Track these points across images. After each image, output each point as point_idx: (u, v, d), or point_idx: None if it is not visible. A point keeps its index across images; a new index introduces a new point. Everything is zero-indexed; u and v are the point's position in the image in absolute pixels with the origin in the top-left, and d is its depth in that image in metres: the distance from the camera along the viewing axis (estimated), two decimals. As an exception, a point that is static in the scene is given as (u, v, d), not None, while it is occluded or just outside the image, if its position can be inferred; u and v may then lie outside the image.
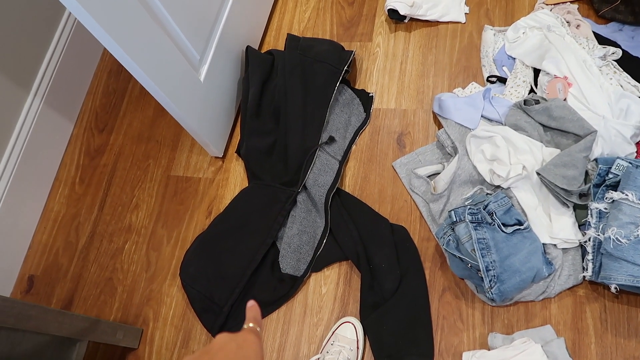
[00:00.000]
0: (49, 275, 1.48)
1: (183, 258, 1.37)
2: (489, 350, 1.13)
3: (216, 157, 1.53)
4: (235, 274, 1.30)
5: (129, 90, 1.71)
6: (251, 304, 0.59)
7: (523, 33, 1.41)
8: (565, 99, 1.25)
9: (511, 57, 1.41)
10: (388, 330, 1.19)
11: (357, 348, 1.18)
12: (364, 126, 1.47)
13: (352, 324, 1.21)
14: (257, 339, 0.52)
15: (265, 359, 1.25)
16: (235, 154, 1.52)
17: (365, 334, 1.21)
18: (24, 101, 1.50)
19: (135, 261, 1.45)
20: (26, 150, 1.49)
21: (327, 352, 1.15)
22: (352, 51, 1.48)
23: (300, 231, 1.33)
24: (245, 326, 0.55)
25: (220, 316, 1.29)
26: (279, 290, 1.29)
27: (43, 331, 0.97)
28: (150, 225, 1.49)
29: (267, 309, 1.30)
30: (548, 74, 1.30)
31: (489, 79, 1.41)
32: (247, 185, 1.46)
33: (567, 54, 1.27)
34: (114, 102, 1.70)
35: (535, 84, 1.34)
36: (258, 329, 0.55)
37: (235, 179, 1.49)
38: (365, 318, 1.22)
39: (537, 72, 1.36)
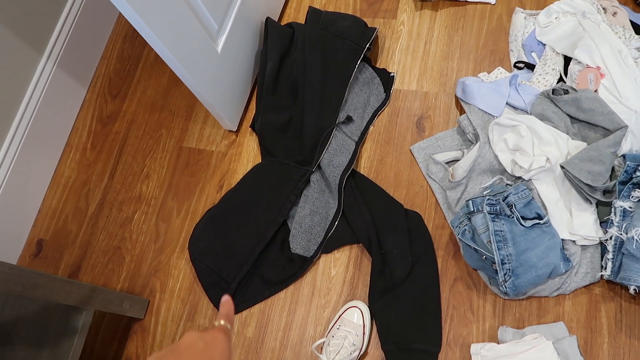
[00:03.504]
0: (57, 240, 1.48)
1: (192, 231, 1.36)
2: (498, 343, 1.11)
3: (230, 131, 1.50)
4: (244, 251, 1.29)
5: (143, 57, 1.67)
6: (225, 299, 0.58)
7: (556, 18, 1.34)
8: (596, 91, 1.19)
9: (541, 43, 1.35)
10: (396, 317, 1.17)
11: (364, 333, 1.16)
12: (383, 107, 1.42)
13: (360, 308, 1.19)
14: (225, 338, 0.51)
15: (270, 337, 1.24)
16: (250, 129, 1.48)
17: (372, 319, 1.19)
18: (37, 63, 1.47)
19: (144, 231, 1.43)
20: (38, 113, 1.47)
21: (333, 337, 1.14)
22: (375, 28, 1.43)
23: (312, 211, 1.30)
24: (216, 323, 0.54)
25: (227, 292, 1.28)
26: (287, 270, 1.28)
27: (50, 299, 0.96)
28: (161, 196, 1.47)
29: (274, 287, 1.28)
30: (580, 63, 1.25)
31: (517, 64, 1.36)
32: (260, 161, 1.43)
33: (602, 42, 1.21)
34: (128, 68, 1.67)
35: (565, 73, 1.29)
36: (229, 327, 0.54)
37: (249, 154, 1.46)
38: (373, 303, 1.20)
39: (567, 60, 1.30)
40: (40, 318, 1.11)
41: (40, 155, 1.51)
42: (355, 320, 1.17)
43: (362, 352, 1.15)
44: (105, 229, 1.47)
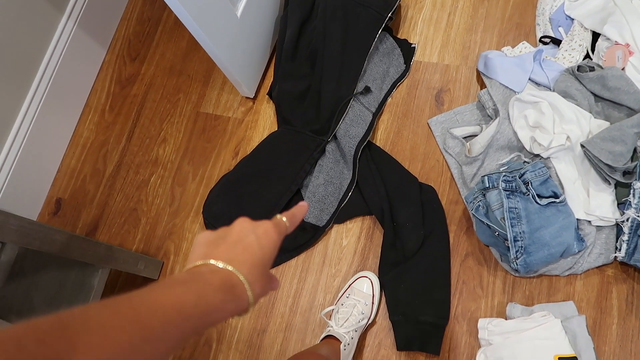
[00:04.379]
0: (75, 200, 1.51)
1: (207, 196, 1.38)
2: (506, 320, 1.11)
3: (247, 98, 1.49)
4: (257, 218, 1.29)
5: (163, 20, 1.66)
6: (303, 204, 0.55)
7: (586, -8, 1.30)
8: (623, 69, 1.16)
9: (569, 17, 1.30)
10: (405, 289, 1.18)
11: (372, 303, 1.18)
12: (403, 78, 1.40)
13: (370, 278, 1.20)
14: (277, 236, 0.49)
15: (280, 303, 1.27)
16: (267, 96, 1.48)
17: (382, 290, 1.21)
18: (58, 22, 1.47)
19: (159, 195, 1.45)
20: (58, 73, 1.48)
21: (342, 305, 1.16)
22: (399, -3, 1.40)
23: (327, 181, 1.30)
24: (278, 216, 0.52)
25: (240, 257, 1.29)
26: (299, 238, 1.29)
27: (67, 256, 0.98)
28: (177, 160, 1.48)
29: (286, 255, 1.30)
30: (608, 39, 1.21)
31: (542, 39, 1.32)
32: (276, 129, 1.43)
33: (634, 19, 1.17)
34: (148, 30, 1.66)
35: (592, 50, 1.25)
36: (287, 225, 0.52)
37: (265, 121, 1.46)
38: (384, 274, 1.21)
39: (595, 36, 1.26)
40: (58, 274, 1.15)
41: (59, 115, 1.52)
42: (365, 290, 1.18)
43: (370, 321, 1.17)
44: (122, 190, 1.49)
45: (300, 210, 0.54)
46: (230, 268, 0.44)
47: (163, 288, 0.39)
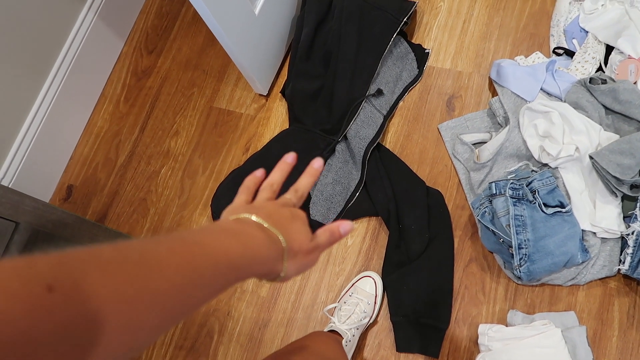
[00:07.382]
0: (87, 187, 1.53)
1: (216, 190, 1.39)
2: (506, 326, 1.12)
3: (260, 95, 1.51)
4: (264, 213, 1.31)
5: (182, 14, 1.69)
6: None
7: (602, 5, 1.30)
8: (635, 83, 1.16)
9: (584, 29, 1.31)
10: (408, 291, 1.19)
11: (375, 303, 1.19)
12: (415, 83, 1.41)
13: (373, 278, 1.21)
14: (304, 220, 0.51)
15: (282, 299, 1.28)
16: (280, 94, 1.49)
17: (384, 290, 1.22)
18: (79, 12, 1.49)
19: (169, 186, 1.47)
20: (76, 62, 1.50)
21: (345, 303, 1.17)
22: (415, 2, 1.41)
23: (335, 181, 1.32)
24: (288, 195, 0.55)
25: (245, 251, 1.31)
26: (305, 236, 1.30)
27: (77, 240, 1.00)
28: (188, 153, 1.50)
29: (291, 251, 1.31)
30: (622, 52, 1.21)
31: (556, 50, 1.33)
32: (287, 127, 1.44)
33: (648, 34, 1.18)
34: (166, 24, 1.68)
35: (605, 63, 1.26)
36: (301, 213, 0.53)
37: (277, 119, 1.47)
38: (387, 275, 1.22)
39: (609, 50, 1.27)
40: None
41: (75, 103, 1.55)
42: (368, 290, 1.19)
43: (371, 321, 1.18)
44: (133, 180, 1.51)
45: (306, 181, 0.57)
46: (272, 228, 0.45)
47: (213, 233, 0.40)
